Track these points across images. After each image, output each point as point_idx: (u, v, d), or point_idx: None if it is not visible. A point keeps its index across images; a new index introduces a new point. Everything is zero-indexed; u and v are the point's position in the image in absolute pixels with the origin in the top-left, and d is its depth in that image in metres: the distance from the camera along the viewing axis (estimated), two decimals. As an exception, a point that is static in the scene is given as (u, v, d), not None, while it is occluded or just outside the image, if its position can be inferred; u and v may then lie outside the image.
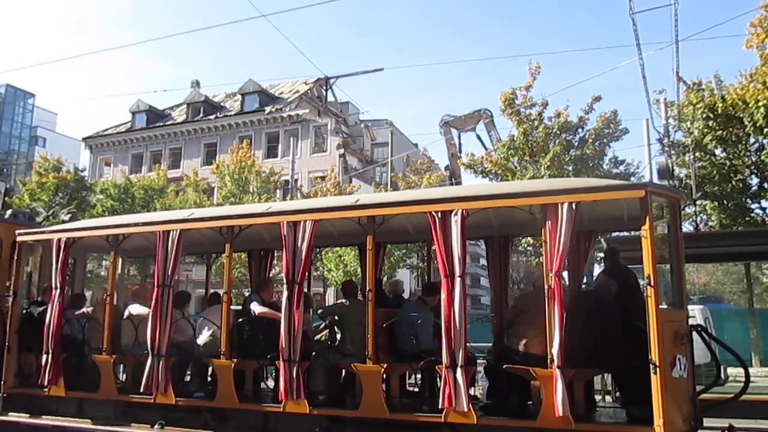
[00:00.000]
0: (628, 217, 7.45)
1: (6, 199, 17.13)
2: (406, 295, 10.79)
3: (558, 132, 20.65)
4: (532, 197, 6.54)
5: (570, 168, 20.12)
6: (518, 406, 6.85)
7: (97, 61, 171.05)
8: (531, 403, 6.81)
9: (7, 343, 9.30)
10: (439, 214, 6.72)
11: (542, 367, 6.16)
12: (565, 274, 7.53)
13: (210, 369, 8.75)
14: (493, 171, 21.31)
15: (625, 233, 10.13)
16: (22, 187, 37.38)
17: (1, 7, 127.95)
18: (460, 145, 26.59)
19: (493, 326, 8.56)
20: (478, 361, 7.84)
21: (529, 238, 18.60)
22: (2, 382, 9.19)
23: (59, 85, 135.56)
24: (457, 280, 6.51)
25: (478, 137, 22.82)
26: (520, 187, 7.53)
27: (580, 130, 20.95)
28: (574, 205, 6.16)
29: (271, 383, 8.98)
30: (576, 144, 20.76)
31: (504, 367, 6.71)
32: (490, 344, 8.61)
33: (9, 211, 12.88)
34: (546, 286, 6.17)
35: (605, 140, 20.81)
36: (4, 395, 9.21)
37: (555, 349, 5.98)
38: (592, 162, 20.57)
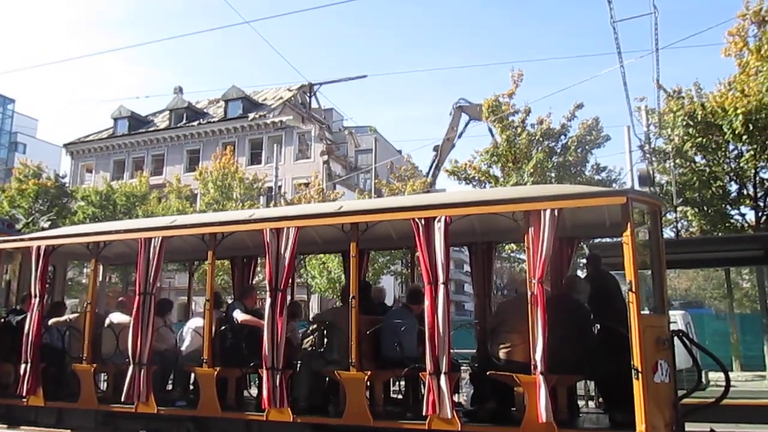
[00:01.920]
0: (610, 224, 7.50)
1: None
2: (389, 302, 10.78)
3: (541, 139, 20.76)
4: (514, 204, 6.59)
5: (553, 175, 20.21)
6: (502, 412, 6.87)
7: (78, 66, 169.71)
8: (515, 409, 6.83)
9: (-16, 353, 9.16)
10: (423, 221, 6.74)
11: (526, 374, 6.17)
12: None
13: (192, 377, 8.68)
14: (476, 178, 21.38)
15: (607, 239, 10.19)
16: (1, 193, 36.84)
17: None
18: (462, 132, 26.51)
19: (477, 332, 8.57)
20: (462, 367, 7.86)
21: (512, 244, 18.67)
22: (-20, 392, 9.06)
23: (40, 90, 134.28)
24: (441, 287, 6.52)
25: (490, 130, 22.77)
26: (503, 193, 7.59)
27: (562, 137, 21.05)
28: (556, 211, 6.21)
29: (254, 391, 8.91)
30: (558, 151, 20.86)
31: (488, 373, 6.72)
32: (474, 350, 8.63)
33: (-13, 218, 12.73)
34: (529, 293, 6.20)
35: (587, 147, 20.93)
36: (-19, 406, 9.07)
37: (538, 356, 6.01)
38: (575, 169, 20.68)
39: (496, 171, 21.50)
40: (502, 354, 6.72)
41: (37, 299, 8.76)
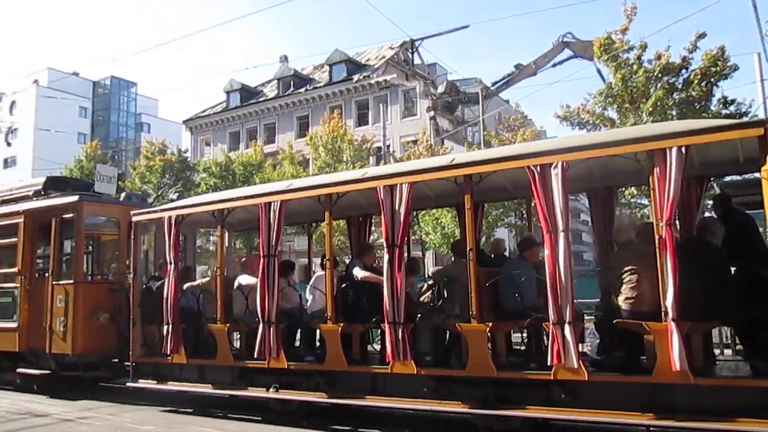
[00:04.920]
0: (744, 159, 6.93)
1: (119, 183, 18.25)
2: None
3: (659, 75, 19.46)
4: (637, 143, 6.19)
5: (674, 112, 18.97)
6: (631, 361, 6.64)
7: (186, 46, 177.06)
8: (645, 358, 6.58)
9: (131, 317, 9.97)
10: (538, 168, 6.53)
11: (656, 321, 5.91)
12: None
13: (318, 333, 9.02)
14: (590, 122, 20.45)
15: (740, 177, 9.46)
16: (133, 171, 39.79)
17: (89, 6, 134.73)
18: (556, 64, 25.40)
19: (600, 281, 8.27)
20: (586, 317, 7.64)
21: (632, 188, 17.83)
22: (131, 352, 9.88)
23: (158, 71, 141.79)
24: (561, 235, 6.33)
25: (599, 71, 21.71)
26: (623, 133, 7.15)
27: (683, 71, 19.63)
28: (683, 149, 5.80)
29: (377, 347, 9.14)
30: (680, 86, 19.49)
31: (614, 322, 6.49)
32: (596, 300, 8.37)
33: (123, 194, 13.68)
34: (657, 237, 5.88)
35: (712, 80, 19.39)
36: (133, 364, 9.91)
37: (669, 302, 5.72)
38: (699, 104, 19.28)
39: (611, 113, 20.50)
40: (628, 302, 6.46)
41: (173, 266, 9.37)
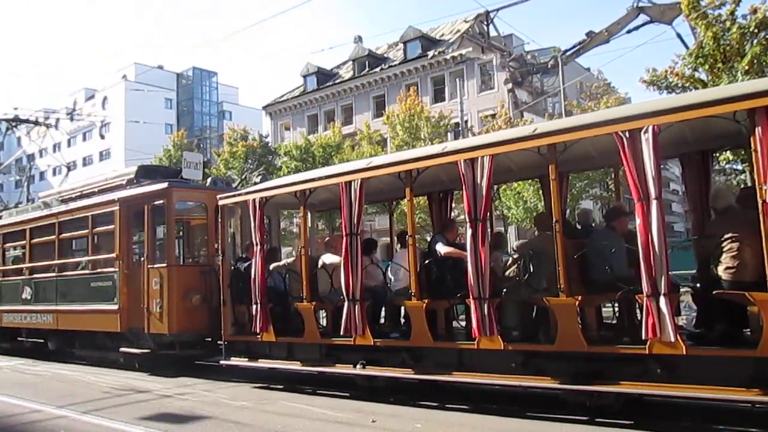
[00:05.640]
0: None
1: (205, 170, 18.90)
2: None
3: (755, 31, 18.11)
4: (737, 102, 5.74)
5: (772, 70, 17.70)
6: (734, 334, 6.28)
7: (263, 31, 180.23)
8: (749, 331, 6.21)
9: (222, 297, 10.31)
10: (627, 133, 6.23)
11: (759, 291, 5.55)
12: None
13: (402, 311, 9.02)
14: (679, 85, 19.37)
15: None
16: (217, 158, 41.15)
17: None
18: (631, 30, 24.29)
19: (697, 251, 7.85)
20: (681, 289, 7.28)
21: (728, 153, 16.82)
22: (222, 331, 10.23)
23: (235, 60, 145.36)
24: (653, 203, 6.03)
25: (678, 35, 20.56)
26: (720, 92, 6.68)
27: (782, 25, 18.26)
28: (791, 104, 5.37)
29: (462, 323, 9.07)
30: (778, 42, 18.15)
31: (714, 293, 6.15)
32: (690, 272, 7.96)
33: (209, 180, 14.13)
34: (760, 201, 5.50)
35: (815, 33, 17.95)
36: (225, 343, 10.26)
37: (776, 271, 5.34)
38: (800, 60, 17.89)
39: (702, 75, 19.33)
40: (728, 271, 6.10)
41: (259, 247, 9.58)
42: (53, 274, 13.82)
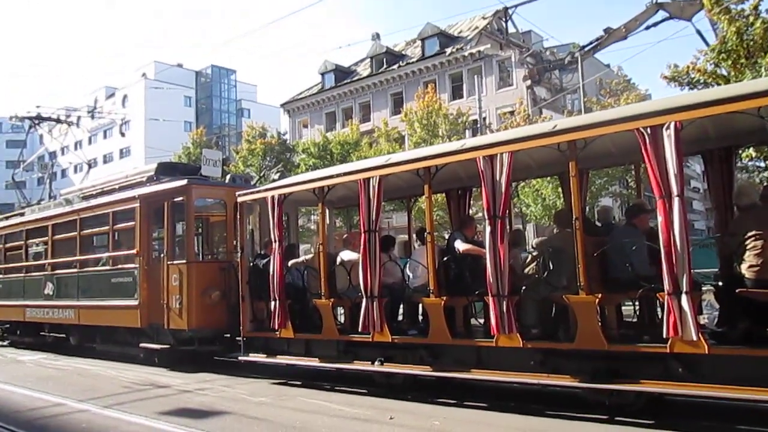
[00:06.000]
0: None
1: (224, 167, 19.02)
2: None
3: (780, 26, 17.88)
4: (761, 97, 5.65)
5: (798, 66, 17.39)
6: (758, 333, 6.18)
7: (281, 28, 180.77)
8: (773, 329, 6.12)
9: (240, 294, 10.36)
10: (648, 129, 6.16)
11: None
12: None
13: (420, 307, 9.00)
14: (701, 81, 19.11)
15: None
16: (236, 155, 41.41)
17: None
18: (649, 27, 24.04)
19: (720, 248, 7.74)
20: (703, 287, 7.18)
21: (750, 150, 16.55)
22: (241, 328, 10.28)
23: (253, 57, 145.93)
24: (675, 200, 5.95)
25: (698, 32, 20.27)
26: (744, 87, 6.57)
27: (808, 19, 17.95)
28: (817, 99, 5.27)
29: (480, 320, 9.03)
30: (804, 37, 17.83)
31: (737, 291, 6.06)
32: (712, 270, 7.86)
33: (228, 177, 14.18)
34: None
35: (842, 27, 17.60)
36: (244, 339, 10.32)
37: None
38: (826, 56, 17.56)
39: (724, 71, 19.06)
40: (752, 270, 6.02)
41: (277, 243, 9.61)
42: (75, 270, 14.00)
